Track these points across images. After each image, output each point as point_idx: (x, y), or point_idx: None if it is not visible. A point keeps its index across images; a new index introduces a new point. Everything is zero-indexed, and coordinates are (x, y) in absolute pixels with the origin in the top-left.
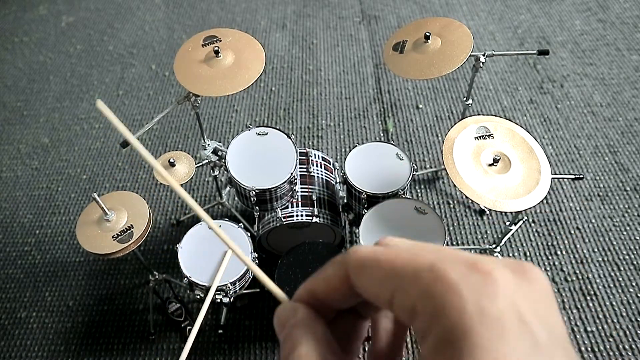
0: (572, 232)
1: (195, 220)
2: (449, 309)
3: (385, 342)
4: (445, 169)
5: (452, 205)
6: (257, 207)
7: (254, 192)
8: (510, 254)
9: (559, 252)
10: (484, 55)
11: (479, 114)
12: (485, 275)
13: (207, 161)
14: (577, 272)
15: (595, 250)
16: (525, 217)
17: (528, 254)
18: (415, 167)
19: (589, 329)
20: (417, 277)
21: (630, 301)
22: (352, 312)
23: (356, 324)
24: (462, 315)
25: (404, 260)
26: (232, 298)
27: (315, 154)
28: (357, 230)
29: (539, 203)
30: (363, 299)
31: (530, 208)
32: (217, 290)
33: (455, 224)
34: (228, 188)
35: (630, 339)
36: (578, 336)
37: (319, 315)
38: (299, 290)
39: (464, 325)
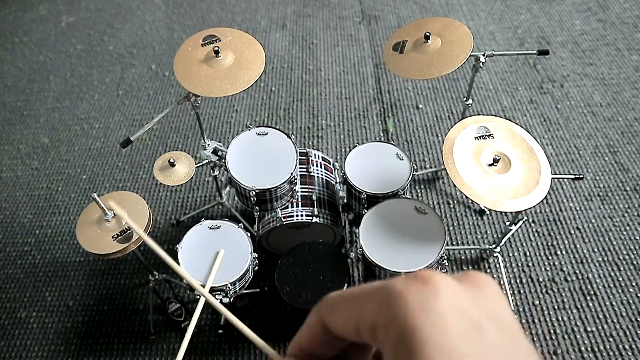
0: (572, 232)
1: (195, 220)
2: (397, 313)
3: None
4: (445, 169)
5: (452, 205)
6: (257, 207)
7: (254, 192)
8: (510, 254)
9: (559, 252)
10: (484, 55)
11: (479, 114)
12: (425, 281)
13: (207, 161)
14: (577, 272)
15: (595, 250)
16: (525, 217)
17: (528, 254)
18: (415, 167)
19: (589, 329)
20: (372, 297)
21: (630, 301)
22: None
23: None
24: (408, 316)
25: (362, 288)
26: (232, 298)
27: (315, 154)
28: (357, 230)
29: (539, 203)
30: (341, 341)
31: (530, 208)
32: (217, 290)
33: (455, 224)
34: (228, 188)
35: (630, 339)
36: (578, 336)
37: None
38: (290, 345)
39: (412, 324)
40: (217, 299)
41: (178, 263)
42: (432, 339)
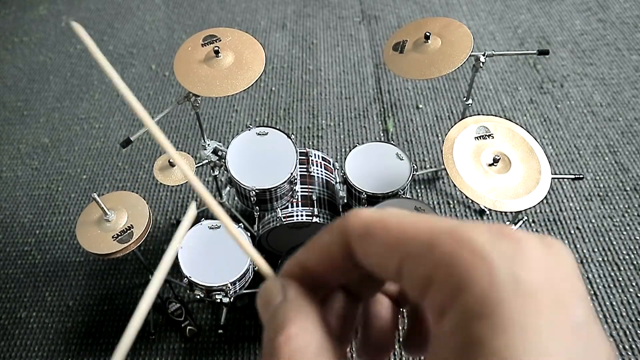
0: (572, 232)
1: (196, 220)
2: (477, 277)
3: (378, 331)
4: (445, 169)
5: (452, 205)
6: (257, 207)
7: (254, 192)
8: None
9: None
10: (484, 55)
11: (479, 114)
12: (515, 242)
13: (207, 161)
14: None
15: (595, 250)
16: (525, 217)
17: None
18: (415, 167)
19: None
20: (435, 243)
21: (630, 301)
22: (345, 293)
23: (349, 306)
24: (493, 285)
25: (417, 224)
26: (232, 298)
27: (315, 154)
28: None
29: (539, 203)
30: (363, 272)
31: (530, 208)
32: (217, 290)
33: None
34: (228, 188)
35: (630, 339)
36: None
37: (311, 292)
38: (288, 262)
39: (496, 297)
40: (217, 298)
41: (178, 263)
42: (523, 324)
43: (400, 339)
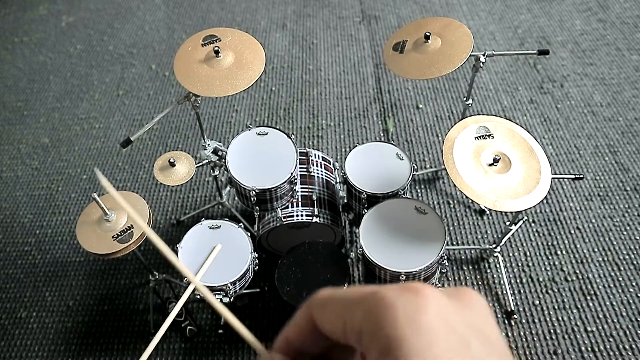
0: (572, 232)
1: (196, 220)
2: (386, 323)
3: None
4: (445, 169)
5: (452, 205)
6: (257, 207)
7: (254, 192)
8: (511, 254)
9: (559, 252)
10: (484, 55)
11: (479, 114)
12: (416, 293)
13: (207, 161)
14: (577, 272)
15: (595, 250)
16: (525, 217)
17: (528, 253)
18: (415, 167)
19: (589, 328)
20: (362, 302)
21: (630, 301)
22: None
23: None
24: (396, 327)
25: (353, 291)
26: (232, 298)
27: (315, 154)
28: (357, 230)
29: (539, 203)
30: (328, 339)
31: (530, 208)
32: (217, 290)
33: (455, 224)
34: (228, 188)
35: (630, 339)
36: (578, 336)
37: None
38: (277, 340)
39: (399, 336)
40: (217, 298)
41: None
42: (419, 353)
43: None
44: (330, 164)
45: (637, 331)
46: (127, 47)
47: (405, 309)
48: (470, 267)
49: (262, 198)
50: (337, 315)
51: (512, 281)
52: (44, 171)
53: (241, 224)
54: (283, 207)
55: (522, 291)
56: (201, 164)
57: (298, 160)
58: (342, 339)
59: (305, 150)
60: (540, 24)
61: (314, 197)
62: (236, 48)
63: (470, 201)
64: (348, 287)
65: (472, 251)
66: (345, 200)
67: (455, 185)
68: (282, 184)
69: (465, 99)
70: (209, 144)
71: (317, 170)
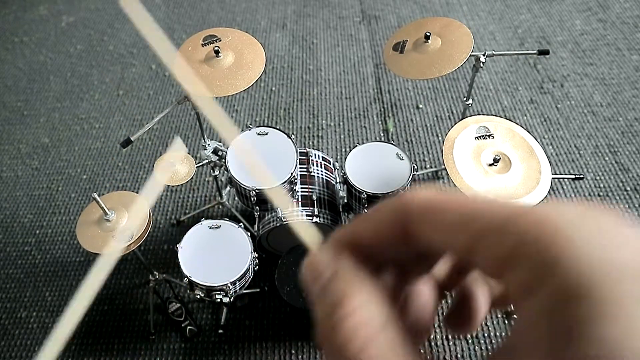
0: None
1: (196, 220)
2: (567, 258)
3: (418, 313)
4: (445, 169)
5: None
6: (257, 207)
7: (254, 192)
8: None
9: None
10: (484, 55)
11: (479, 114)
12: (603, 221)
13: (207, 161)
14: None
15: None
16: None
17: None
18: (416, 167)
19: None
20: (516, 221)
21: None
22: (392, 272)
23: (395, 286)
24: (585, 265)
25: (491, 203)
26: (232, 298)
27: (315, 154)
28: None
29: (539, 203)
30: (415, 250)
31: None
32: (217, 290)
33: None
34: (228, 188)
35: None
36: None
37: (363, 266)
38: (338, 233)
39: (591, 278)
40: (217, 298)
41: (178, 263)
42: (621, 309)
43: (442, 318)
44: (330, 164)
45: None
46: (127, 47)
47: (593, 242)
48: None
49: (262, 198)
50: (461, 227)
51: None
52: (44, 171)
53: (241, 224)
54: None
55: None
56: (201, 164)
57: (298, 160)
58: (460, 256)
59: (305, 150)
60: (540, 24)
61: (314, 197)
62: (236, 48)
63: None
64: (470, 195)
65: None
66: (345, 200)
67: (455, 185)
68: (282, 184)
69: (465, 99)
70: (209, 144)
71: (317, 170)
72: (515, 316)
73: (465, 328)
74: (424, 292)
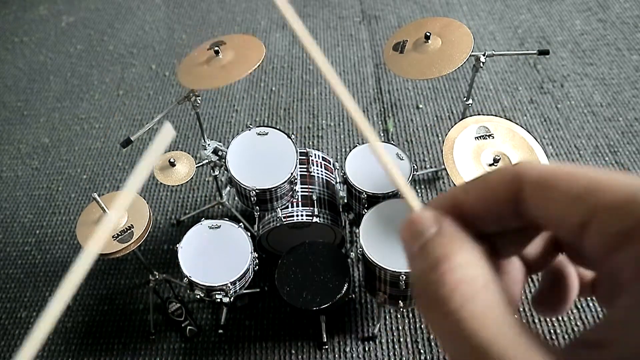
0: None
1: (196, 220)
2: None
3: (509, 291)
4: (445, 169)
5: None
6: (257, 207)
7: (254, 192)
8: None
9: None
10: (484, 55)
11: (479, 114)
12: None
13: (207, 161)
14: None
15: None
16: None
17: None
18: (416, 167)
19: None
20: (637, 198)
21: None
22: (486, 244)
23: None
24: None
25: (610, 178)
26: (232, 298)
27: (315, 154)
28: (357, 230)
29: None
30: (519, 223)
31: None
32: (217, 290)
33: None
34: (228, 188)
35: None
36: (578, 336)
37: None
38: (441, 196)
39: None
40: (217, 298)
41: (178, 263)
42: None
43: (531, 299)
44: (330, 164)
45: None
46: (127, 47)
47: None
48: None
49: (262, 198)
50: (576, 202)
51: None
52: (44, 171)
53: (241, 224)
54: (283, 207)
55: (522, 291)
56: (201, 164)
57: (298, 160)
58: (570, 233)
59: (305, 150)
60: (540, 24)
61: (314, 197)
62: (237, 48)
63: None
64: (589, 168)
65: None
66: (345, 200)
67: (455, 185)
68: (282, 184)
69: (465, 99)
70: (209, 144)
71: (317, 170)
72: (514, 316)
73: (556, 310)
74: (514, 268)
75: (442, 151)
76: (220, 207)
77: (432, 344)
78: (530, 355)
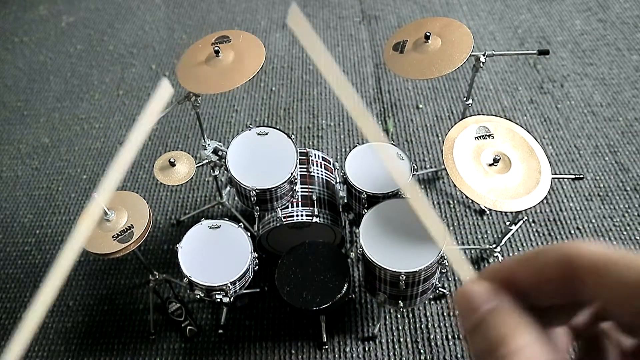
0: (572, 232)
1: (196, 220)
2: None
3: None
4: (445, 169)
5: (452, 205)
6: (257, 207)
7: (254, 192)
8: (511, 254)
9: None
10: (484, 55)
11: (479, 114)
12: None
13: (207, 161)
14: None
15: None
16: (526, 217)
17: None
18: (415, 167)
19: None
20: None
21: None
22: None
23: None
24: None
25: None
26: (232, 298)
27: (315, 154)
28: (357, 230)
29: (539, 203)
30: (574, 298)
31: (530, 208)
32: (217, 290)
33: (455, 224)
34: (228, 188)
35: None
36: None
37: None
38: (494, 269)
39: None
40: (217, 298)
41: (178, 263)
42: None
43: None
44: (330, 164)
45: None
46: (127, 47)
47: None
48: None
49: (262, 198)
50: (633, 293)
51: None
52: (44, 171)
53: (241, 224)
54: (283, 207)
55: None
56: (201, 164)
57: (298, 160)
58: (627, 322)
59: (305, 150)
60: (540, 24)
61: (314, 197)
62: (238, 49)
63: (470, 201)
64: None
65: (472, 251)
66: (345, 200)
67: (455, 185)
68: (282, 184)
69: (465, 99)
70: (209, 144)
71: (317, 170)
72: None
73: None
74: (561, 335)
75: (442, 151)
76: (220, 207)
77: (432, 344)
78: None
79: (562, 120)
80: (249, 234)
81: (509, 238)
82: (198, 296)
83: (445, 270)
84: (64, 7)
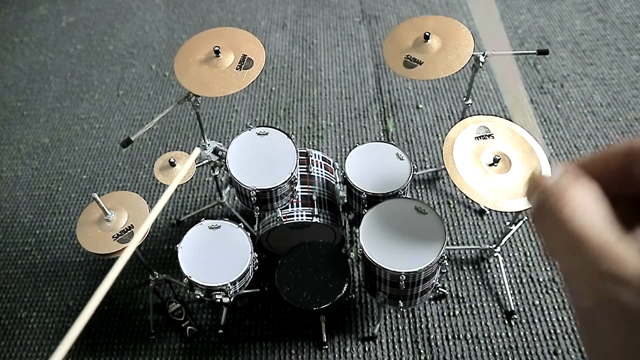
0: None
1: (196, 220)
2: None
3: None
4: (445, 169)
5: (452, 205)
6: (257, 207)
7: (254, 192)
8: (511, 254)
9: None
10: (484, 55)
11: (479, 114)
12: None
13: (207, 161)
14: None
15: None
16: (526, 217)
17: (528, 254)
18: (415, 167)
19: None
20: None
21: None
22: None
23: None
24: None
25: None
26: (232, 298)
27: (315, 154)
28: (357, 230)
29: None
30: (635, 191)
31: (530, 208)
32: (217, 290)
33: (455, 224)
34: (228, 188)
35: None
36: (578, 336)
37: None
38: (567, 165)
39: None
40: (217, 298)
41: (178, 263)
42: None
43: None
44: (330, 164)
45: None
46: (127, 47)
47: None
48: (471, 267)
49: (262, 198)
50: None
51: (512, 281)
52: (44, 171)
53: (241, 224)
54: (283, 207)
55: (522, 291)
56: (201, 164)
57: (298, 160)
58: None
59: (305, 150)
60: (540, 24)
61: (314, 197)
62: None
63: (470, 201)
64: None
65: (472, 251)
66: (345, 200)
67: (455, 185)
68: (282, 184)
69: (465, 99)
70: (209, 144)
71: (317, 170)
72: (515, 316)
73: None
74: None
75: (442, 151)
76: (220, 207)
77: (432, 344)
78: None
79: (562, 120)
80: (249, 234)
81: (509, 238)
82: (198, 296)
83: (445, 270)
84: (64, 7)
